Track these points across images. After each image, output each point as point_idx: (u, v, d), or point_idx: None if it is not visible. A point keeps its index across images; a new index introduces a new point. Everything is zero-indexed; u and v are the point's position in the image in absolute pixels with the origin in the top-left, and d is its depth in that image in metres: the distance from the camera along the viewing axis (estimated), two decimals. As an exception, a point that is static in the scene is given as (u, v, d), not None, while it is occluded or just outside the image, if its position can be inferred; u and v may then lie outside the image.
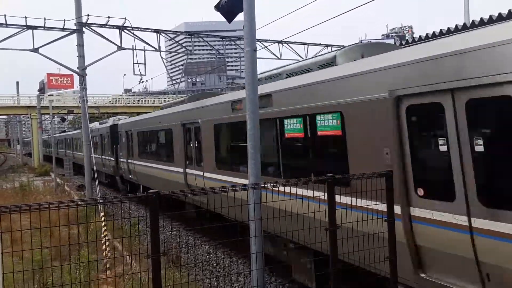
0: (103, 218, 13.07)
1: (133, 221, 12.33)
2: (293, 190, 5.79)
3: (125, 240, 10.47)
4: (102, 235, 11.08)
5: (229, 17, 5.19)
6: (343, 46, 26.59)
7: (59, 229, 4.04)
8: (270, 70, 8.71)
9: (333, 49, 26.02)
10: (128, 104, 56.39)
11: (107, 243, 10.16)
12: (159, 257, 3.46)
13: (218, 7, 5.21)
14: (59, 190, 22.74)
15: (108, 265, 8.90)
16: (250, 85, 4.79)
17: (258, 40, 23.14)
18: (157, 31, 22.57)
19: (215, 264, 10.50)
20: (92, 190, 20.45)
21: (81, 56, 19.64)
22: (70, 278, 6.48)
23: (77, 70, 19.78)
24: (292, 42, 23.52)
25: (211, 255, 11.23)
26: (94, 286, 6.55)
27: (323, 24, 21.28)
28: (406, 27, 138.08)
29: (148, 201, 3.44)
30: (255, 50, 4.83)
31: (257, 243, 4.77)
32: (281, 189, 5.49)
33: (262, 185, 4.59)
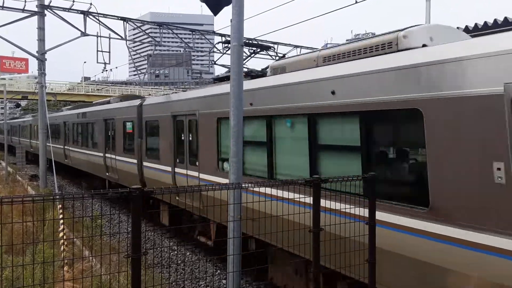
0: (60, 211, 12.46)
1: (95, 216, 11.81)
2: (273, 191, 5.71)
3: (85, 234, 10.00)
4: (60, 229, 10.54)
5: (215, 9, 5.00)
6: (312, 48, 26.57)
7: (23, 225, 3.74)
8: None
9: (302, 50, 26.25)
10: (88, 93, 54.22)
11: (64, 237, 9.67)
12: (139, 257, 3.26)
13: (204, -2, 5.02)
14: (11, 180, 21.47)
15: (66, 261, 8.46)
16: (235, 81, 4.65)
17: (229, 36, 22.93)
18: (124, 19, 21.79)
19: (179, 262, 10.26)
20: (46, 180, 19.47)
21: (41, 40, 18.65)
22: (27, 273, 6.07)
23: (36, 55, 18.76)
24: (262, 41, 23.46)
25: (176, 252, 10.97)
26: (55, 283, 6.18)
27: (291, 25, 21.42)
28: (370, 33, 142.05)
29: (130, 198, 3.24)
30: (242, 46, 4.69)
31: (235, 244, 4.65)
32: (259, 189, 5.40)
33: (243, 185, 4.47)
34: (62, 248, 9.14)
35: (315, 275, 4.16)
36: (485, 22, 6.24)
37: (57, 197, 3.61)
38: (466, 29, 5.97)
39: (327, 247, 4.27)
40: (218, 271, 9.25)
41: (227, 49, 15.50)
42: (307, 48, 26.07)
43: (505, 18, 5.77)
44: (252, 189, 4.46)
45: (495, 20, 5.83)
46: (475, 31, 5.73)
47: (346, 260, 4.48)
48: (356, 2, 11.98)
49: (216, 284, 8.49)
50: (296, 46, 26.03)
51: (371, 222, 4.37)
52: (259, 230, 5.59)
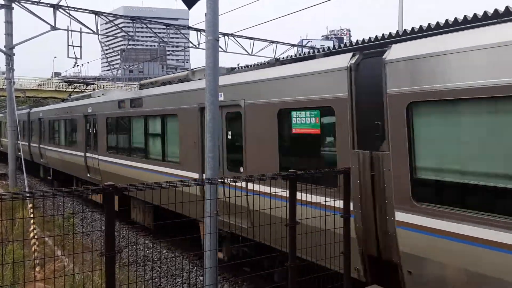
0: (31, 211, 12.10)
1: (67, 215, 11.54)
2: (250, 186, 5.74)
3: (56, 233, 9.75)
4: (31, 228, 10.24)
5: (189, 3, 4.94)
6: (288, 43, 26.64)
7: (1, 223, 3.59)
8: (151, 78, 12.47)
9: (278, 46, 26.34)
10: (59, 89, 52.70)
11: (35, 237, 9.41)
12: (114, 255, 3.20)
13: (177, -8, 4.93)
14: (-23, 179, 20.69)
15: (37, 261, 8.23)
16: (211, 76, 4.61)
17: (204, 30, 22.69)
18: (96, 13, 21.27)
19: (156, 259, 10.15)
20: (16, 179, 18.89)
21: (9, 34, 18.01)
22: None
23: (4, 49, 18.11)
24: (238, 36, 23.39)
25: (151, 249, 10.85)
26: (25, 284, 5.99)
27: (268, 21, 21.49)
28: (345, 29, 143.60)
29: (104, 195, 3.17)
30: (217, 40, 4.65)
31: (212, 240, 4.63)
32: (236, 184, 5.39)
33: (220, 180, 4.45)
34: (33, 249, 8.89)
35: (291, 268, 4.19)
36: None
37: (27, 195, 3.49)
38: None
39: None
40: (195, 268, 9.20)
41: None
42: (283, 44, 26.17)
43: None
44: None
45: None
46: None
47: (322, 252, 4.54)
48: (331, -2, 12.08)
49: (193, 281, 8.44)
50: (272, 42, 26.06)
51: (345, 215, 4.44)
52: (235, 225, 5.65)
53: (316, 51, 7.68)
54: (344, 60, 5.09)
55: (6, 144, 20.84)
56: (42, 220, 10.89)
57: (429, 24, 5.01)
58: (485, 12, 4.47)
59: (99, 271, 5.34)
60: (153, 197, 8.38)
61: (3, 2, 17.54)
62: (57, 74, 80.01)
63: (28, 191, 3.76)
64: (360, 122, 4.83)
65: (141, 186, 3.43)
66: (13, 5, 17.77)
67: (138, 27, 23.23)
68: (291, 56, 7.51)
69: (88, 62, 42.70)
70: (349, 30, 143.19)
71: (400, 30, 6.54)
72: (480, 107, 3.85)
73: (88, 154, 14.59)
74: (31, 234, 9.69)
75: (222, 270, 8.31)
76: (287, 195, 4.50)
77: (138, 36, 25.04)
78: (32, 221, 10.62)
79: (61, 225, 10.73)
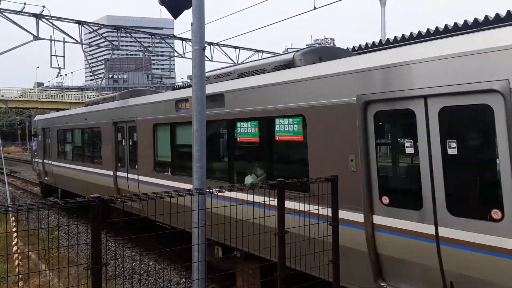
0: (14, 224, 11.82)
1: (52, 227, 11.30)
2: (239, 195, 5.71)
3: (41, 247, 9.53)
4: (13, 242, 10.00)
5: (175, 12, 4.93)
6: (273, 52, 27.01)
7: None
8: (221, 68, 8.42)
9: (263, 55, 26.47)
10: (41, 99, 51.96)
11: (18, 251, 9.18)
12: (100, 268, 3.13)
13: (163, 1, 4.94)
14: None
15: (20, 276, 8.02)
16: (197, 85, 4.59)
17: (189, 40, 22.69)
18: (79, 22, 21.11)
19: (142, 272, 9.98)
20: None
21: (-10, 43, 17.77)
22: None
23: (-15, 59, 17.84)
24: (224, 45, 23.46)
25: (138, 262, 10.67)
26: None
27: (252, 30, 21.66)
28: (329, 38, 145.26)
29: (89, 207, 3.11)
30: (204, 49, 4.65)
31: (200, 251, 4.58)
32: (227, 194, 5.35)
33: (208, 190, 4.41)
34: (16, 263, 8.67)
35: (281, 278, 4.16)
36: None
37: (10, 208, 3.40)
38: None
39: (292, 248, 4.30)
40: (183, 279, 9.08)
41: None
42: (268, 52, 26.30)
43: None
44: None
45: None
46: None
47: (311, 261, 4.52)
48: (315, 8, 12.24)
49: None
50: (258, 51, 26.18)
51: (334, 223, 4.44)
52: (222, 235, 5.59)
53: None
54: None
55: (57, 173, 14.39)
56: (25, 234, 10.64)
57: None
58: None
59: (84, 285, 5.24)
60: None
61: (-16, 12, 17.30)
62: (39, 84, 78.89)
63: (12, 204, 3.66)
64: None
65: (127, 197, 3.38)
66: (-5, 15, 17.54)
67: (122, 37, 23.12)
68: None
69: (71, 72, 41.97)
70: (333, 39, 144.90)
71: (383, 40, 6.63)
72: None
73: None
74: (14, 248, 9.46)
75: (210, 282, 8.22)
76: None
77: (122, 46, 24.89)
78: (15, 234, 10.37)
79: (45, 238, 10.51)
